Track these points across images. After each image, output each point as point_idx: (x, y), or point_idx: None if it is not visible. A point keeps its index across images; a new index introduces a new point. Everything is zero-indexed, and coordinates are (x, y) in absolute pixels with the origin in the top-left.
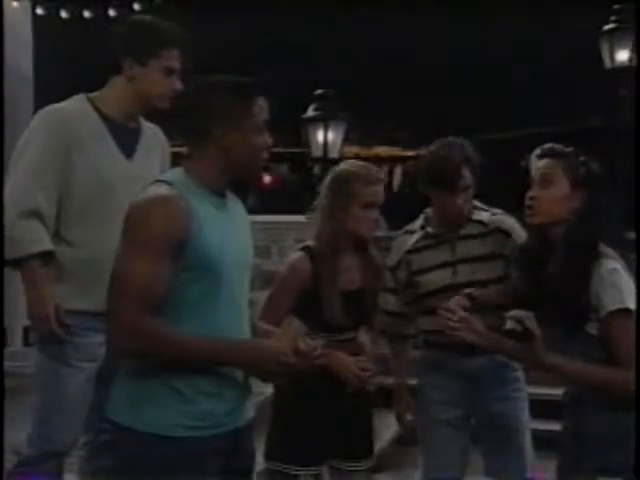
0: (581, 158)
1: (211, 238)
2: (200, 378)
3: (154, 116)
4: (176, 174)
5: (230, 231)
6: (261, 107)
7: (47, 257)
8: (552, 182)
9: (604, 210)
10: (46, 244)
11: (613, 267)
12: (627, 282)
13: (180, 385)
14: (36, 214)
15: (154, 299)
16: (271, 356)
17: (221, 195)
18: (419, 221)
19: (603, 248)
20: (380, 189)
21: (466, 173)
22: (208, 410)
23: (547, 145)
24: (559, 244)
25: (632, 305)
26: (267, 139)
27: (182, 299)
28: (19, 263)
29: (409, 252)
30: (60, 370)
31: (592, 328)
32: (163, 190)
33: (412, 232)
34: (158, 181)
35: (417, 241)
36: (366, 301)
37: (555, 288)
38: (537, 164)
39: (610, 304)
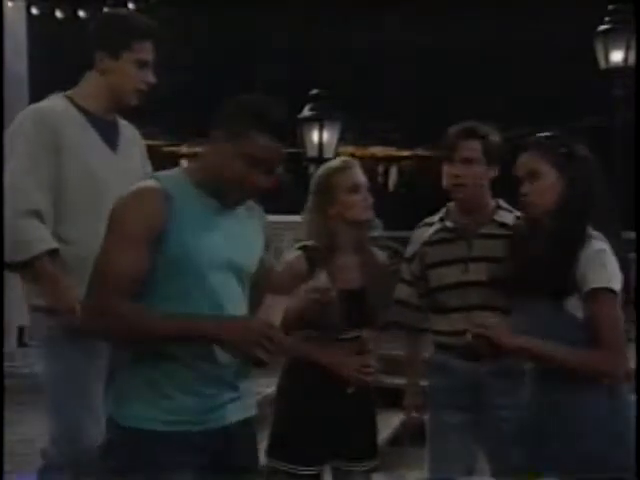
0: (563, 142)
1: (192, 236)
2: (180, 374)
3: (138, 113)
4: (174, 172)
5: (222, 234)
6: (266, 146)
7: (53, 255)
8: (539, 175)
9: (591, 193)
10: (52, 242)
11: (602, 248)
12: (614, 264)
13: (160, 381)
14: (36, 214)
15: (128, 285)
16: (253, 329)
17: (222, 197)
18: (440, 214)
19: (591, 231)
20: (357, 171)
21: (471, 145)
22: (187, 406)
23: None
24: (547, 227)
25: (616, 286)
26: (253, 174)
27: (162, 294)
28: (29, 263)
29: (425, 244)
30: (70, 367)
31: (574, 309)
32: (146, 183)
33: (431, 224)
34: (150, 176)
35: (434, 233)
36: (367, 300)
37: (542, 269)
38: (521, 159)
39: (594, 281)
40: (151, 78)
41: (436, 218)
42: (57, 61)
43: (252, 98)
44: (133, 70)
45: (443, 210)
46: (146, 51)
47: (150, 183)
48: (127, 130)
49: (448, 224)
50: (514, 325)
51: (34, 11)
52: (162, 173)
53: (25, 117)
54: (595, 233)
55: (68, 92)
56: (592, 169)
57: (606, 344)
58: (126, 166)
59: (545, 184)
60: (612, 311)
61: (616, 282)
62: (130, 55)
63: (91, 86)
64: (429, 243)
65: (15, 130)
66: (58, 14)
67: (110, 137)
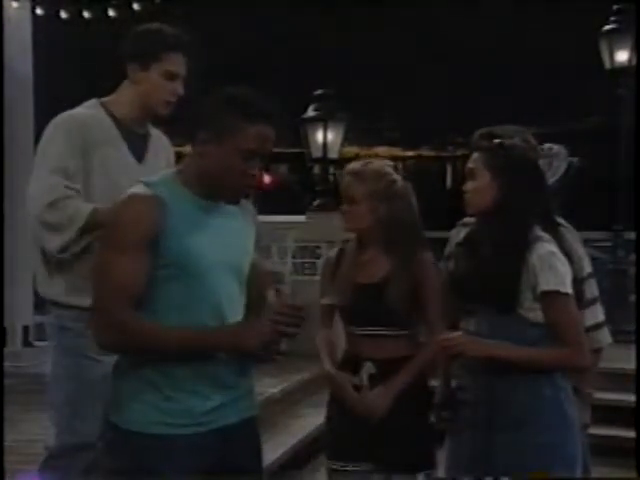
0: (507, 144)
1: (188, 238)
2: (181, 376)
3: (158, 119)
4: (162, 175)
5: (218, 234)
6: (256, 134)
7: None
8: (475, 175)
9: (530, 196)
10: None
11: (551, 250)
12: (564, 266)
13: (160, 383)
14: (70, 197)
15: (126, 293)
16: (254, 335)
17: (211, 198)
18: None
19: (539, 232)
20: (349, 181)
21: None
22: (189, 408)
23: (475, 136)
24: (492, 227)
25: (567, 288)
26: (250, 167)
27: (161, 297)
28: (74, 240)
29: (458, 245)
30: (80, 363)
31: (524, 310)
32: (136, 189)
33: (467, 225)
34: (139, 182)
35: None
36: (385, 295)
37: (490, 273)
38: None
39: (545, 284)
40: (180, 90)
41: (472, 219)
42: (61, 61)
43: (233, 92)
44: (162, 81)
45: None
46: (175, 63)
47: (141, 189)
48: (157, 141)
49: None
50: (467, 328)
51: (39, 12)
52: (152, 178)
53: (58, 122)
54: (544, 235)
55: (104, 99)
56: (531, 172)
57: (570, 341)
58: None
59: (480, 184)
60: (567, 311)
61: (566, 283)
62: (159, 66)
63: (125, 95)
64: (462, 244)
65: (48, 135)
66: (63, 15)
67: (138, 148)
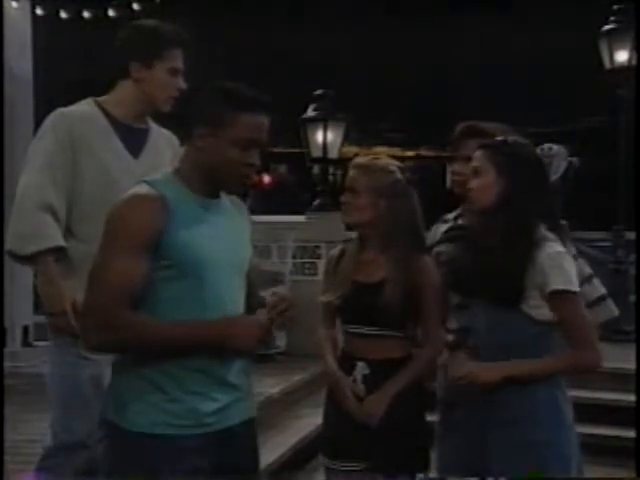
0: (509, 142)
1: (191, 237)
2: (185, 377)
3: (163, 118)
4: (163, 174)
5: (219, 232)
6: (252, 123)
7: (59, 253)
8: (479, 172)
9: (533, 194)
10: (59, 240)
11: (559, 250)
12: (571, 265)
13: (163, 383)
14: (49, 209)
15: (127, 294)
16: (254, 326)
17: (210, 196)
18: (456, 212)
19: (545, 232)
20: (351, 173)
21: (472, 144)
22: (192, 409)
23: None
24: (496, 223)
25: (575, 287)
26: (249, 157)
27: (163, 298)
28: (32, 258)
29: (438, 243)
30: (75, 362)
31: (529, 307)
32: (140, 189)
33: (446, 221)
34: (141, 181)
35: (445, 231)
36: (383, 295)
37: (495, 268)
38: (473, 157)
39: (554, 283)
40: (182, 84)
41: (451, 215)
42: (61, 61)
43: (225, 85)
44: (166, 78)
45: (460, 208)
46: (177, 59)
47: (144, 189)
48: (160, 138)
49: (460, 222)
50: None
51: (39, 12)
52: (153, 177)
53: (49, 120)
54: (550, 235)
55: (100, 98)
56: (535, 168)
57: (581, 342)
58: (147, 172)
59: (485, 181)
60: (576, 311)
61: (575, 283)
62: (162, 63)
63: (124, 94)
64: (441, 241)
65: (40, 131)
66: (63, 15)
67: (134, 143)
